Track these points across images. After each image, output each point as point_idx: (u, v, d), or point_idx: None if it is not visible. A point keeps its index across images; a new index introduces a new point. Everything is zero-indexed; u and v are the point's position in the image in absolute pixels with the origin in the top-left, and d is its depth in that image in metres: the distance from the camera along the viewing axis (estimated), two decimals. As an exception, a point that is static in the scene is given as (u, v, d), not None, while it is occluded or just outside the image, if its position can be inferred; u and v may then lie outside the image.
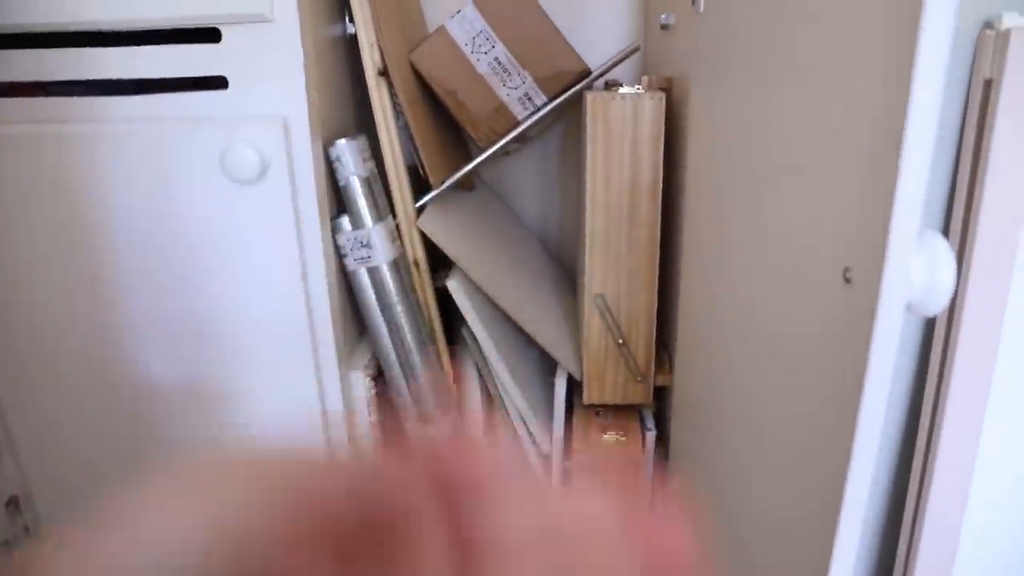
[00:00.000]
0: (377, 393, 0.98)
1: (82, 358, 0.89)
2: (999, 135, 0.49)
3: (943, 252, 0.36)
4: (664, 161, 0.85)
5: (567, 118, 1.19)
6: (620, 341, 0.91)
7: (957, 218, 0.55)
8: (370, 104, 0.89)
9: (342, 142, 0.85)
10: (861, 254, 0.37)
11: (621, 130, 0.83)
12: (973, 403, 0.66)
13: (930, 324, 1.00)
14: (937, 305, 0.36)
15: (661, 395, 1.02)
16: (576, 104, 0.98)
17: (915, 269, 0.35)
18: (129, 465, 0.96)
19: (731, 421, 0.68)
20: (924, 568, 0.90)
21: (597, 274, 0.88)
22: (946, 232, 0.57)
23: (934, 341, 0.60)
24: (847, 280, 0.38)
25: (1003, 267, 0.53)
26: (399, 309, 0.90)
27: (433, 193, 0.95)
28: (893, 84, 0.34)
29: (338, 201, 0.90)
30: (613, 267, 0.88)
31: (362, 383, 0.95)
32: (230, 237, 0.83)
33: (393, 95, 0.90)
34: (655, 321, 0.91)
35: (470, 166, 0.96)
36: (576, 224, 1.16)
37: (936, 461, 0.64)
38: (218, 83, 0.78)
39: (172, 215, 0.82)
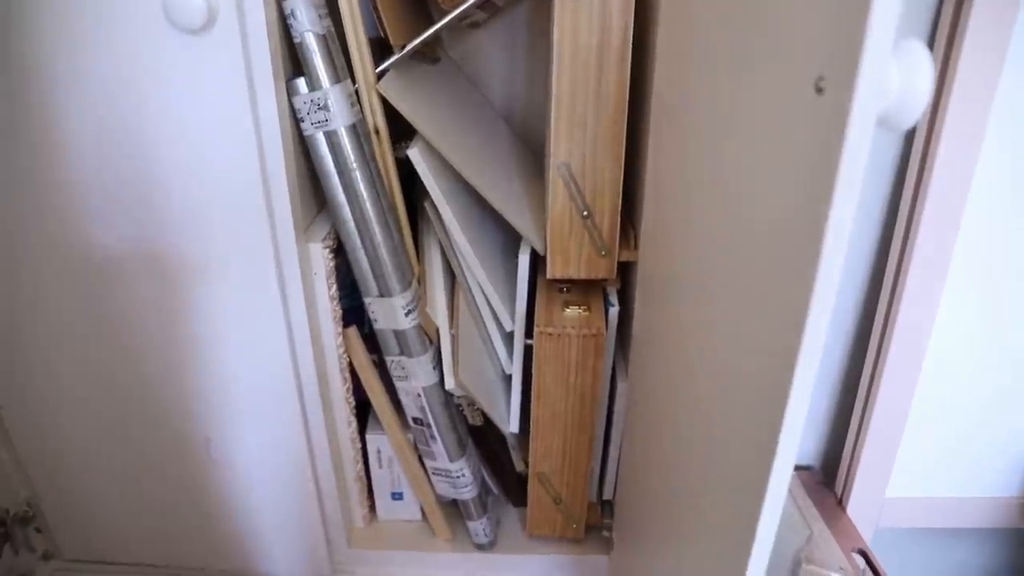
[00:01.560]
0: (336, 266, 0.96)
1: (28, 222, 0.86)
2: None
3: (922, 59, 0.34)
4: (635, 24, 0.82)
5: (537, -10, 1.14)
6: (585, 213, 0.89)
7: (943, 30, 0.52)
8: (327, -43, 0.84)
9: (296, -6, 0.80)
10: (835, 62, 0.35)
11: (591, -12, 0.79)
12: (947, 224, 0.66)
13: (907, 149, 0.99)
14: (912, 116, 0.34)
15: (626, 272, 1.02)
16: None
17: (891, 76, 0.33)
18: (83, 336, 0.94)
19: (693, 288, 0.67)
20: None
21: (562, 142, 0.86)
22: (930, 46, 0.55)
23: (911, 161, 0.58)
24: (819, 90, 0.36)
25: (987, 82, 0.52)
26: (357, 175, 0.87)
27: (395, 56, 0.90)
28: None
29: (294, 65, 0.86)
30: (579, 135, 0.85)
31: (321, 255, 0.92)
32: (179, 95, 0.79)
33: (351, -51, 0.84)
34: (620, 193, 0.89)
35: (436, 27, 0.91)
36: (544, 104, 1.13)
37: (904, 290, 0.63)
38: (159, -80, 0.73)
39: (114, 68, 0.77)
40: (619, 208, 0.90)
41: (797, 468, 1.32)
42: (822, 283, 0.38)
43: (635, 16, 0.82)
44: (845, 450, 1.24)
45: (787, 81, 0.42)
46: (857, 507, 1.22)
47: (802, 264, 0.39)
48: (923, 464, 1.28)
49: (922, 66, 0.34)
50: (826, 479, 1.30)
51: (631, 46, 0.82)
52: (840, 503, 1.24)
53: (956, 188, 0.93)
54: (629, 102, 0.85)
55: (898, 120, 0.34)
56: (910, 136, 1.00)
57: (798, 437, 0.45)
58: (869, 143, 0.34)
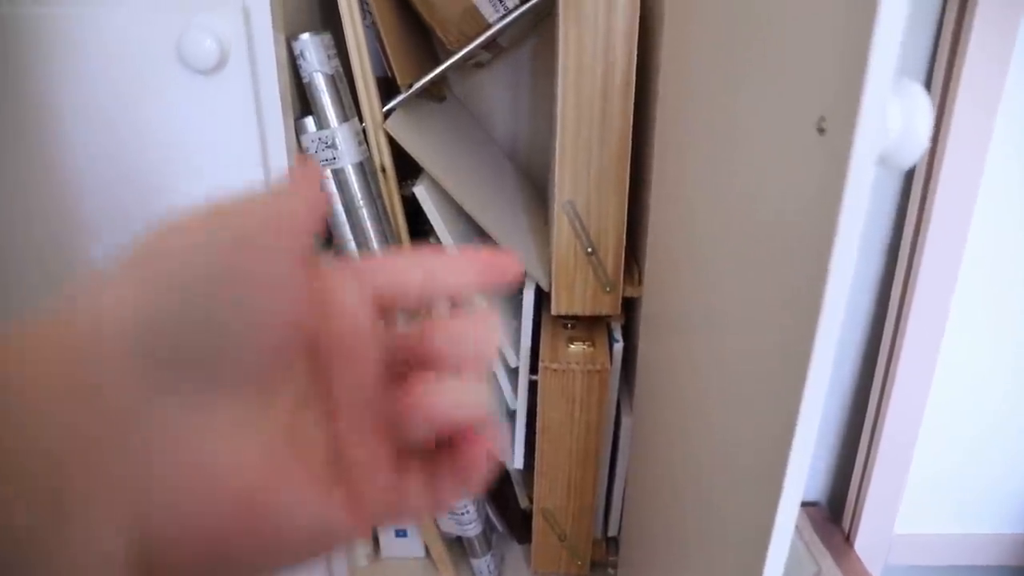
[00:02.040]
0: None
1: (35, 256, 0.87)
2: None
3: (920, 100, 0.34)
4: (638, 64, 0.83)
5: (541, 31, 1.16)
6: (589, 249, 0.90)
7: (940, 68, 0.54)
8: (335, 1, 0.86)
9: (306, 36, 0.82)
10: (836, 103, 0.36)
11: (594, 26, 0.81)
12: (949, 262, 0.66)
13: (907, 185, 1.00)
14: (912, 155, 0.35)
15: (630, 308, 1.02)
16: (551, 16, 0.95)
17: (891, 117, 0.34)
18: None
19: (698, 323, 0.67)
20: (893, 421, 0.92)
21: (567, 180, 0.87)
22: (928, 88, 0.56)
23: (911, 199, 0.59)
24: (821, 131, 0.36)
25: (983, 121, 0.52)
26: (364, 213, 0.88)
27: (402, 96, 0.92)
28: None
29: (302, 104, 0.87)
30: (584, 172, 0.86)
31: (327, 291, 0.93)
32: (190, 133, 0.80)
33: (360, -8, 0.86)
34: (625, 229, 0.90)
35: (441, 67, 0.93)
36: (548, 143, 1.14)
37: (908, 325, 0.64)
38: (173, -35, 0.74)
39: (125, 106, 0.78)
40: (623, 244, 0.91)
41: (804, 504, 1.31)
42: (826, 317, 0.39)
43: (638, 58, 0.83)
44: (852, 486, 1.23)
45: (789, 121, 0.43)
46: (865, 543, 1.21)
47: (806, 299, 0.40)
48: (932, 500, 1.28)
49: (921, 108, 0.35)
50: (833, 515, 1.29)
51: (634, 87, 0.84)
52: (848, 539, 1.23)
53: (956, 226, 0.94)
54: (632, 141, 0.86)
55: (898, 160, 0.35)
56: (910, 173, 1.01)
57: (805, 472, 0.45)
58: (870, 182, 0.35)
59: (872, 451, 1.16)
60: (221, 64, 0.76)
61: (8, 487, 0.17)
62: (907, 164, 0.35)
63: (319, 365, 0.24)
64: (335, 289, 0.24)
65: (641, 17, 0.82)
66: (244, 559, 0.21)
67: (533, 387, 1.00)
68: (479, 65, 1.19)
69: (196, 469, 0.20)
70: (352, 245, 0.90)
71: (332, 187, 0.87)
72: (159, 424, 0.20)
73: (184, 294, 0.20)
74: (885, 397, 1.12)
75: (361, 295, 0.24)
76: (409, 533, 1.19)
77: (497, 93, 1.22)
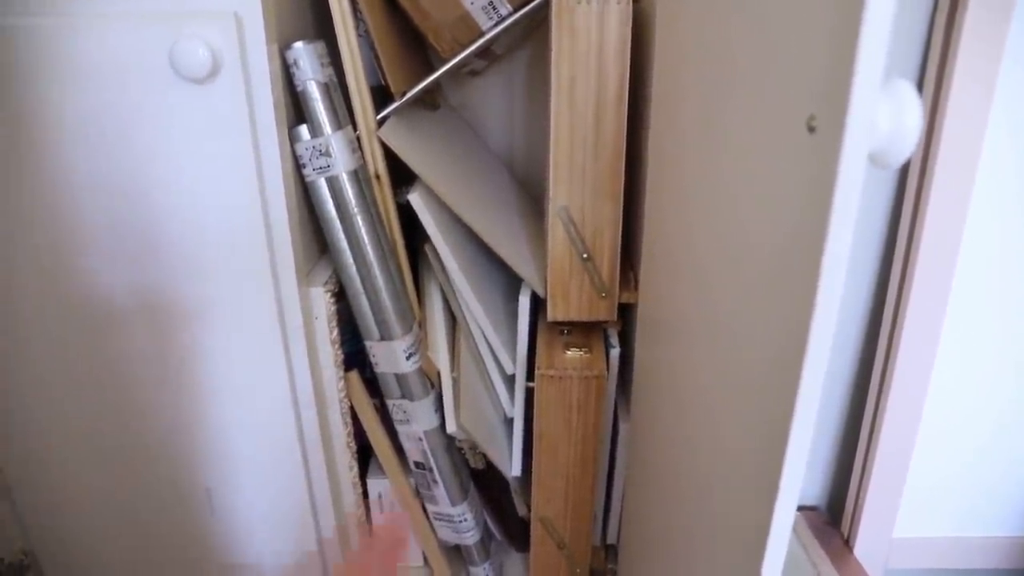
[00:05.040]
0: (337, 310, 0.96)
1: (32, 266, 0.86)
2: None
3: (909, 98, 0.34)
4: (631, 71, 0.84)
5: (535, 39, 1.16)
6: (585, 255, 0.90)
7: (932, 67, 0.54)
8: (328, 10, 0.86)
9: (299, 45, 0.82)
10: (826, 101, 0.36)
11: (587, 35, 0.81)
12: (944, 263, 0.66)
13: (901, 187, 1.00)
14: (903, 153, 0.35)
15: (627, 313, 1.02)
16: (545, 24, 0.95)
17: (880, 115, 0.34)
18: (80, 382, 0.94)
19: (693, 328, 0.67)
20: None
21: (562, 185, 0.87)
22: (920, 87, 0.56)
23: (905, 200, 0.59)
24: (811, 129, 0.36)
25: (976, 118, 0.52)
26: (359, 220, 0.88)
27: (396, 104, 0.92)
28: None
29: (296, 112, 0.87)
30: (578, 178, 0.86)
31: (322, 299, 0.93)
32: (183, 141, 0.80)
33: (353, 1, 0.86)
34: (620, 235, 0.90)
35: (435, 75, 0.93)
36: (543, 150, 1.15)
37: (903, 331, 0.64)
38: (166, -26, 0.75)
39: (121, 116, 0.78)
40: (619, 250, 0.91)
41: (802, 509, 1.31)
42: (819, 320, 0.39)
43: (631, 60, 0.83)
44: (851, 490, 1.23)
45: (781, 120, 0.43)
46: (865, 548, 1.20)
47: (799, 301, 0.40)
48: (931, 503, 1.27)
49: (910, 105, 0.35)
50: (832, 519, 1.28)
51: (628, 90, 0.84)
52: (847, 544, 1.22)
53: (951, 226, 0.94)
54: (627, 144, 0.86)
55: (889, 158, 0.35)
56: (904, 172, 1.01)
57: (801, 475, 0.45)
58: (862, 180, 0.35)
59: (870, 455, 1.16)
60: (214, 73, 0.76)
61: None
62: (898, 162, 0.35)
63: None
64: None
65: (633, 23, 0.82)
66: None
67: (530, 394, 1.00)
68: (474, 73, 1.20)
69: None
70: (347, 254, 0.90)
71: (328, 198, 0.87)
72: None
73: None
74: (882, 400, 1.12)
75: None
76: (407, 541, 1.18)
77: (492, 100, 1.22)
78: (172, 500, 1.03)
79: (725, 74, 0.56)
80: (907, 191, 1.00)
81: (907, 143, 0.35)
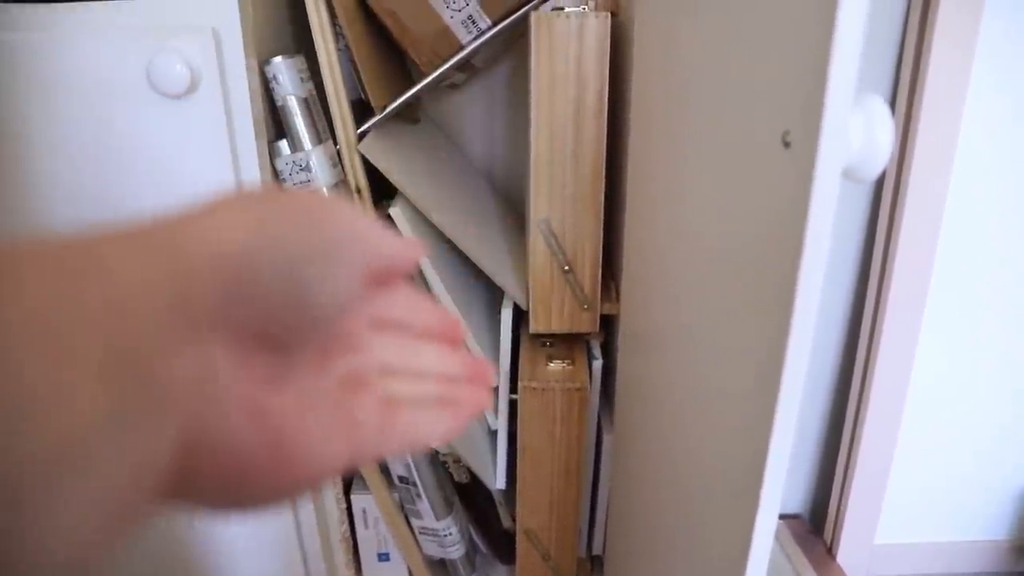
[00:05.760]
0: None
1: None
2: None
3: (881, 113, 0.35)
4: (610, 85, 0.84)
5: (515, 52, 1.17)
6: (566, 268, 0.90)
7: (904, 82, 0.55)
8: (308, 25, 0.86)
9: (278, 60, 0.82)
10: (800, 117, 0.36)
11: (566, 49, 0.82)
12: (920, 269, 0.67)
13: (876, 201, 1.02)
14: (876, 167, 0.35)
15: (609, 325, 1.02)
16: (524, 37, 0.96)
17: (853, 130, 0.35)
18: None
19: (674, 339, 0.68)
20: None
21: (542, 198, 0.87)
22: (893, 104, 0.57)
23: (880, 212, 0.60)
24: (786, 144, 0.37)
25: (948, 131, 0.53)
26: (340, 235, 0.88)
27: (376, 118, 0.92)
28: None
29: (276, 127, 0.87)
30: (558, 191, 0.87)
31: (304, 314, 0.92)
32: (162, 159, 0.80)
33: (333, 15, 0.87)
34: (601, 247, 0.90)
35: (415, 89, 0.93)
36: (524, 163, 1.15)
37: (882, 336, 0.64)
38: (143, -10, 0.74)
39: (99, 131, 0.78)
40: (600, 262, 0.91)
41: (785, 517, 1.32)
42: (797, 330, 0.39)
43: (610, 74, 0.84)
44: (832, 498, 1.24)
45: (756, 135, 0.44)
46: (847, 555, 1.21)
47: (777, 312, 0.40)
48: (911, 510, 1.28)
49: (882, 120, 0.35)
50: (815, 527, 1.29)
51: (607, 103, 0.85)
52: (830, 551, 1.23)
53: (927, 232, 0.96)
54: (607, 158, 0.87)
55: (863, 172, 0.36)
56: (879, 183, 1.03)
57: (781, 484, 0.46)
58: (836, 193, 0.35)
59: (851, 463, 1.17)
60: (192, 88, 0.76)
61: (84, 370, 0.17)
62: (871, 176, 0.36)
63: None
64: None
65: (612, 37, 0.83)
66: (259, 485, 0.24)
67: (513, 406, 1.00)
68: (454, 86, 1.20)
69: (246, 402, 0.23)
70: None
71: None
72: (223, 354, 0.22)
73: (288, 231, 0.24)
74: (862, 409, 1.13)
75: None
76: (392, 557, 1.18)
77: (472, 113, 1.23)
78: (154, 523, 1.01)
79: (702, 89, 0.57)
80: (882, 201, 1.01)
81: (880, 156, 0.35)
